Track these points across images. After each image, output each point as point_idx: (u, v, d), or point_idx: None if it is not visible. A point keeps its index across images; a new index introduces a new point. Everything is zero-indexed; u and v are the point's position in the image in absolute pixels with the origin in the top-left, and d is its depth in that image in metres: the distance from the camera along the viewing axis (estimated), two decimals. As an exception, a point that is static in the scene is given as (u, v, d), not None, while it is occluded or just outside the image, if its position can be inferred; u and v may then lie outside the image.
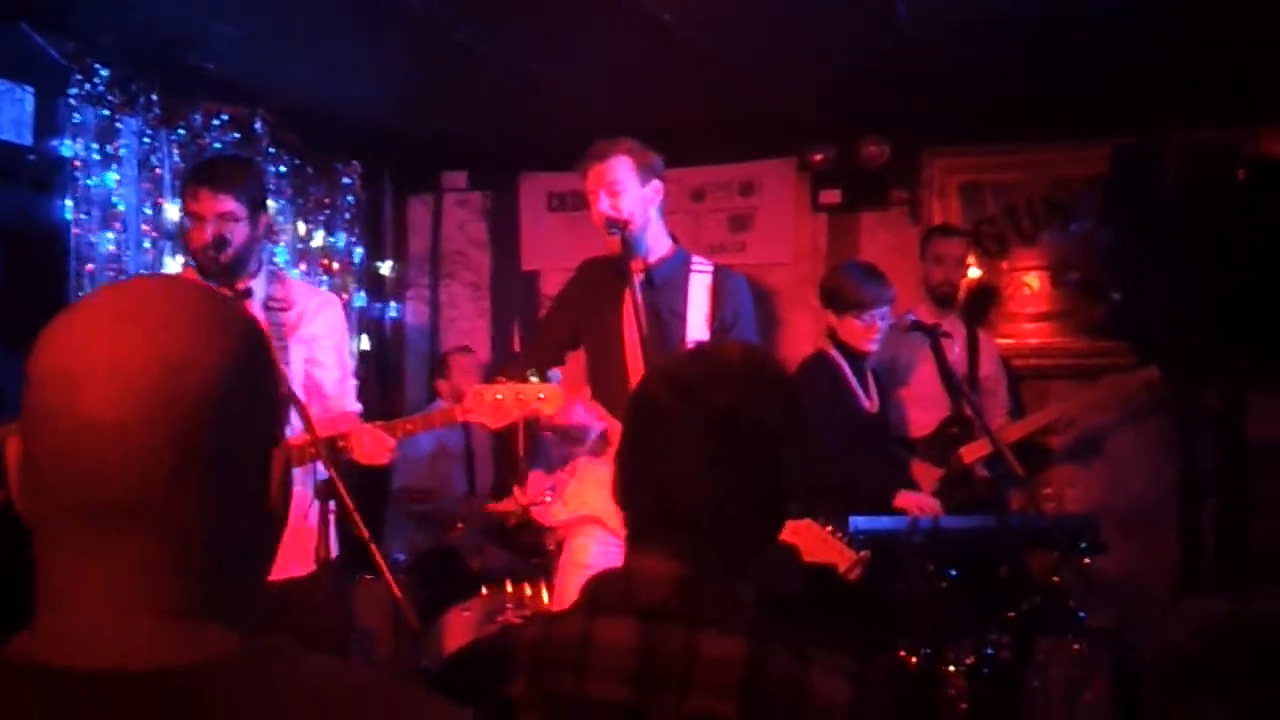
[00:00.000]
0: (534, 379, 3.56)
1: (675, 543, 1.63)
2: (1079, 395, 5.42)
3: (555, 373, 3.63)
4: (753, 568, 1.68)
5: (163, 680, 1.01)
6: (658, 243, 4.05)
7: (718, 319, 4.03)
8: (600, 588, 1.67)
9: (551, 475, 4.08)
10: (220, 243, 3.62)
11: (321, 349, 3.92)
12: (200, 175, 3.75)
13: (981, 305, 5.83)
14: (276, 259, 5.80)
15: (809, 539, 3.58)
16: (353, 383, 4.03)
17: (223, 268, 3.64)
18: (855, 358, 4.71)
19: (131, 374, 1.02)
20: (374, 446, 3.60)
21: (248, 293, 3.75)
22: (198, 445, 1.04)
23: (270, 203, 4.51)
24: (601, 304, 4.05)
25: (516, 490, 4.21)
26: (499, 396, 3.54)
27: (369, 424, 3.68)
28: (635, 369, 3.94)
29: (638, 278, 3.98)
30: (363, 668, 0.97)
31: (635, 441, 1.72)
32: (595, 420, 3.92)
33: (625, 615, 1.59)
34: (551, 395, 3.54)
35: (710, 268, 4.12)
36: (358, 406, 4.00)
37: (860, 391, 4.70)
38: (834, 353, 4.72)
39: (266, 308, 3.80)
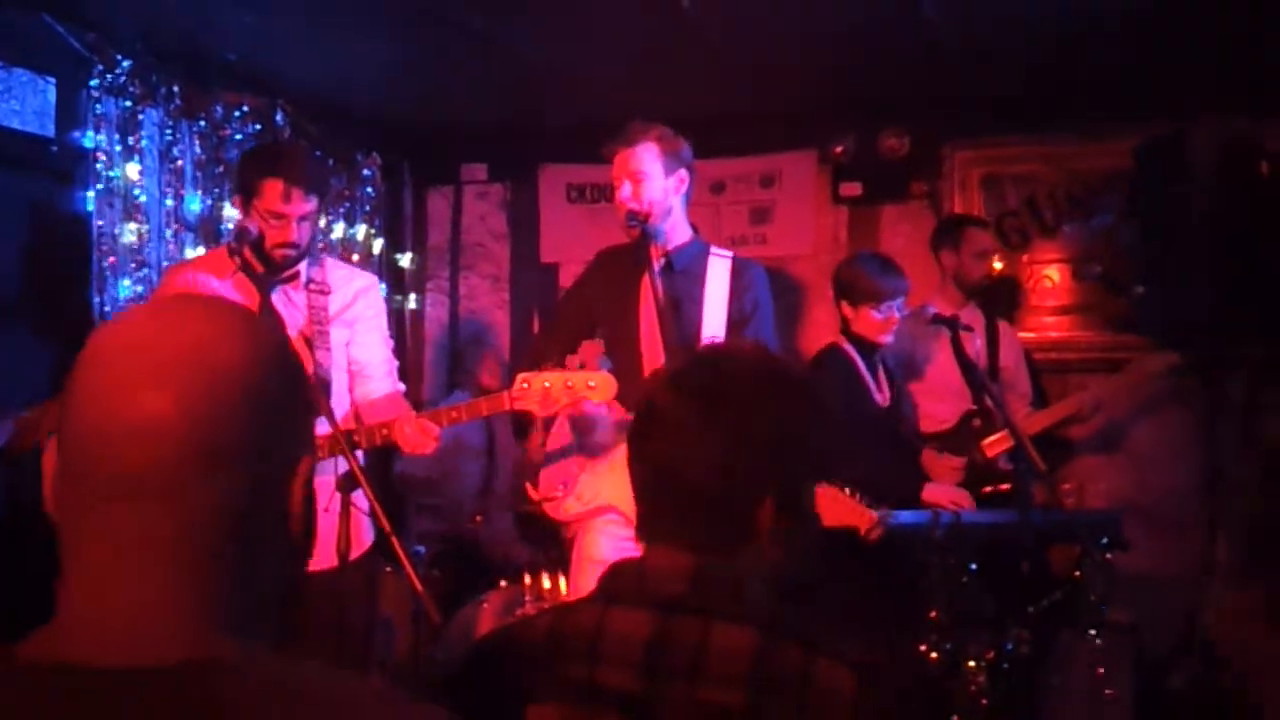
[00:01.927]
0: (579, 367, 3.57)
1: (686, 535, 1.66)
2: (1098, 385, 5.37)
3: (605, 360, 3.61)
4: (767, 557, 1.70)
5: (175, 675, 1.02)
6: (677, 231, 4.04)
7: (736, 307, 4.03)
8: (615, 578, 1.70)
9: (563, 470, 4.06)
10: (297, 245, 3.68)
11: (363, 331, 3.94)
12: (291, 174, 3.68)
13: (1002, 298, 5.79)
14: (323, 257, 5.81)
15: (827, 503, 3.57)
16: (395, 364, 4.05)
17: (289, 265, 3.72)
18: (868, 350, 4.68)
19: (173, 369, 1.06)
20: (419, 436, 3.61)
21: (295, 276, 3.79)
22: (231, 442, 1.07)
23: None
24: (619, 292, 4.04)
25: (529, 488, 4.19)
26: (547, 384, 3.51)
27: (414, 413, 3.68)
28: (651, 355, 3.95)
29: (657, 263, 3.97)
30: (351, 674, 1.00)
31: (640, 438, 1.76)
32: (605, 410, 3.92)
33: (640, 606, 1.62)
34: (602, 383, 3.51)
35: (729, 256, 4.12)
36: (401, 386, 4.03)
37: (872, 384, 4.67)
38: (847, 346, 4.69)
39: (308, 290, 3.82)
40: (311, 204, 3.71)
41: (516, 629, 1.73)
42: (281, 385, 1.12)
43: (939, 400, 5.05)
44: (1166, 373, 5.01)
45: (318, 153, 6.04)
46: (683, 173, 4.00)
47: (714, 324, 3.99)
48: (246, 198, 3.72)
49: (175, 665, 1.02)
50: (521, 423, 4.14)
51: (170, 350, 1.07)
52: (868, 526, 3.71)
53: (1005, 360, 5.31)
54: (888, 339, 4.66)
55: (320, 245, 6.12)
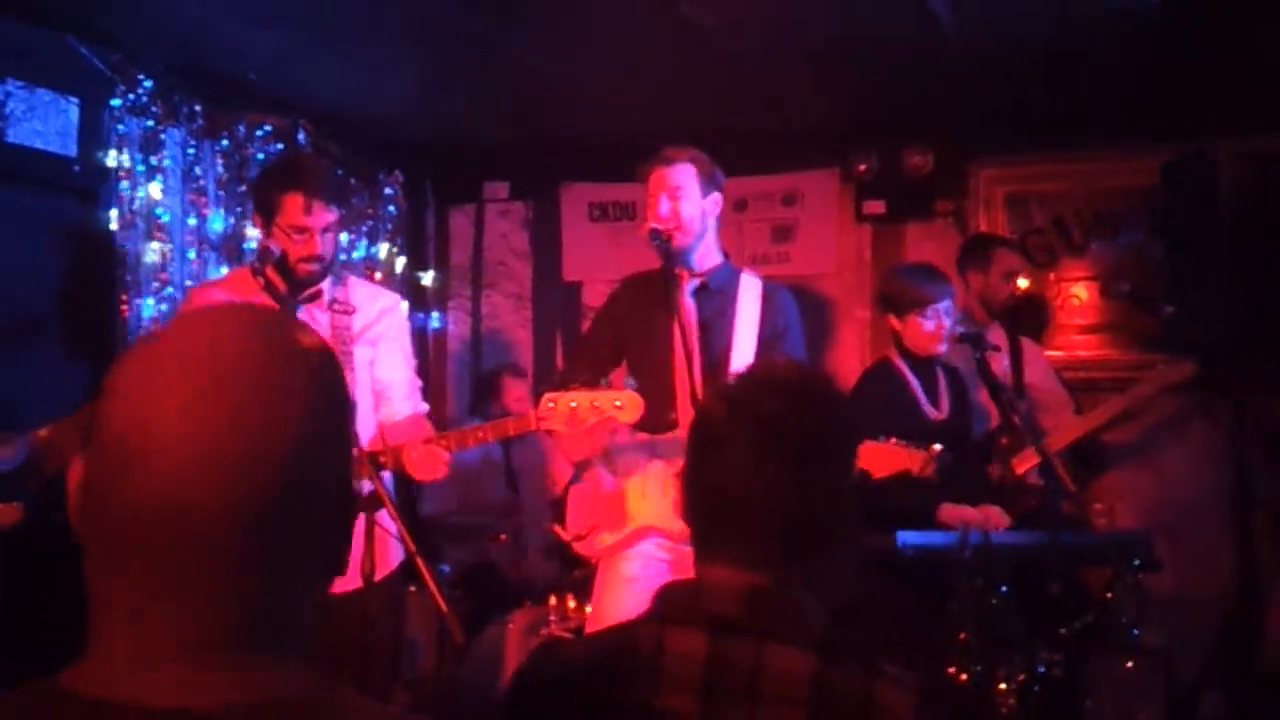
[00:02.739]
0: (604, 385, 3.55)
1: (741, 553, 1.67)
2: (1133, 425, 5.26)
3: (630, 380, 3.59)
4: (824, 578, 1.70)
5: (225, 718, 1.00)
6: (709, 254, 4.04)
7: (767, 331, 4.01)
8: (671, 598, 1.71)
9: (589, 504, 4.03)
10: (322, 259, 3.65)
11: (386, 351, 3.91)
12: (311, 187, 3.67)
13: (1031, 317, 5.74)
14: (346, 275, 5.82)
15: (874, 456, 3.51)
16: (418, 384, 4.02)
17: (315, 280, 3.68)
18: (921, 364, 4.61)
19: (208, 437, 1.01)
20: (427, 461, 3.56)
21: (318, 295, 3.76)
22: (272, 509, 1.03)
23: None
24: (649, 314, 4.01)
25: (557, 530, 4.15)
26: (574, 404, 3.49)
27: (426, 437, 3.64)
28: (683, 379, 3.91)
29: (689, 285, 3.99)
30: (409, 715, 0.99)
31: (694, 457, 1.77)
32: (633, 435, 3.92)
33: (695, 626, 1.62)
34: (629, 402, 3.50)
35: (759, 281, 4.11)
36: (425, 407, 4.00)
37: (924, 399, 4.59)
38: (898, 360, 4.63)
39: (331, 310, 3.79)
40: (333, 215, 3.69)
41: (572, 648, 1.76)
42: (325, 425, 1.08)
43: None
44: (1187, 383, 4.92)
45: (339, 171, 6.05)
46: (717, 195, 4.02)
47: (745, 347, 3.97)
48: (267, 216, 3.70)
49: (224, 709, 1.01)
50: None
51: (201, 413, 1.01)
52: (920, 465, 3.63)
53: (1031, 378, 5.24)
54: (940, 348, 4.56)
55: (342, 264, 6.13)
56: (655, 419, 3.79)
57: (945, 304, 4.54)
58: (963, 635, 3.86)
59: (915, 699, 1.58)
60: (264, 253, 3.62)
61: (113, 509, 1.03)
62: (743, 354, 3.95)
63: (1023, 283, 5.48)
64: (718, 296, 3.97)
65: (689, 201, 3.92)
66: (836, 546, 1.73)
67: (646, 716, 1.59)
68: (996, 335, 5.18)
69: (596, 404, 3.49)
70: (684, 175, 3.92)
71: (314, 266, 3.66)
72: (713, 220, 4.02)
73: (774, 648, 1.58)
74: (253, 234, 5.22)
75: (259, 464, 1.02)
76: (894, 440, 3.54)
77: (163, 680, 1.01)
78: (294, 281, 3.65)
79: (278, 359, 1.08)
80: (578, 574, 4.97)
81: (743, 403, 1.73)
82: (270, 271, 3.60)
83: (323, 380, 1.10)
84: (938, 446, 3.60)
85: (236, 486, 1.01)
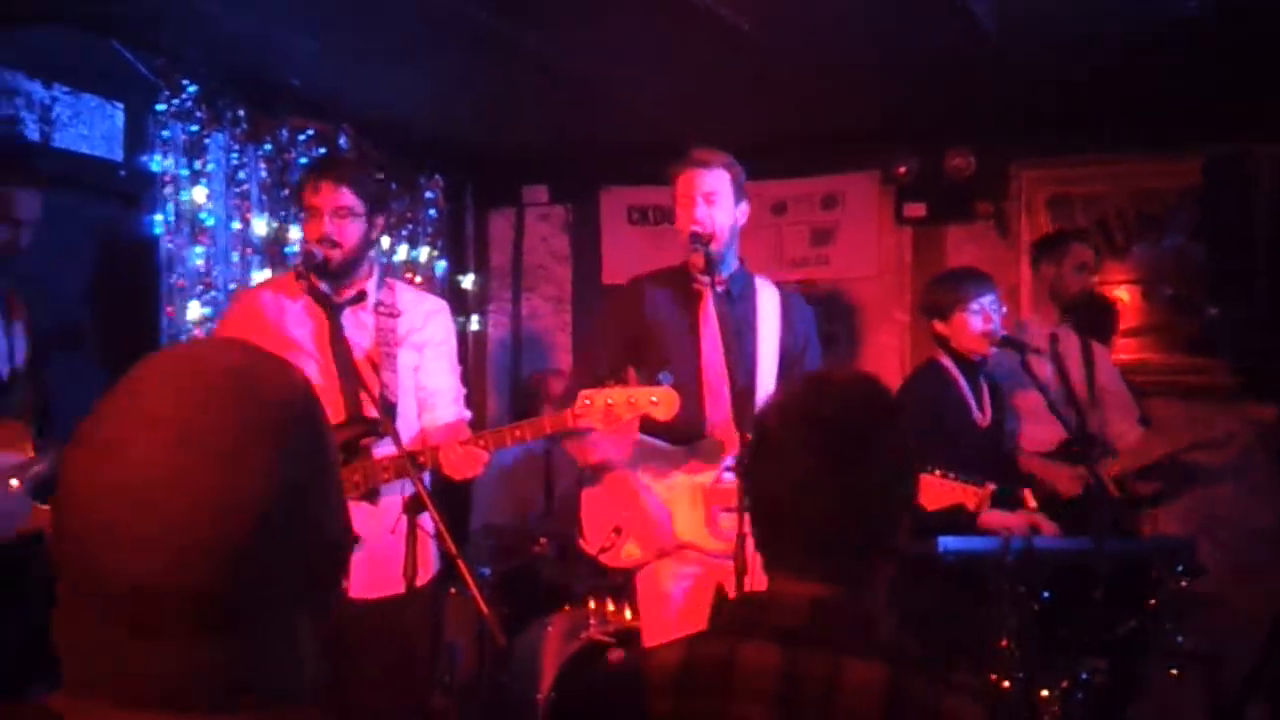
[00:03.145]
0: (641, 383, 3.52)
1: (802, 562, 1.69)
2: (1185, 431, 5.12)
3: (666, 375, 3.56)
4: (880, 586, 1.73)
5: None
6: (730, 262, 4.02)
7: (788, 338, 4.02)
8: (742, 611, 1.75)
9: (610, 515, 4.01)
10: (332, 240, 3.60)
11: (432, 357, 3.89)
12: (320, 168, 3.73)
13: (1099, 319, 5.67)
14: (390, 279, 5.84)
15: (929, 490, 3.51)
16: (462, 391, 4.01)
17: (332, 267, 3.63)
18: (969, 366, 4.59)
19: (177, 522, 0.99)
20: (465, 460, 3.54)
21: (361, 296, 3.75)
22: (245, 566, 1.02)
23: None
24: (675, 318, 4.00)
25: (580, 543, 4.13)
26: (610, 401, 3.47)
27: (463, 437, 3.63)
28: (713, 382, 3.92)
29: (713, 292, 3.93)
30: None
31: (753, 467, 1.79)
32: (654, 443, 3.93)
33: (767, 638, 1.64)
34: (664, 398, 3.47)
35: (774, 288, 4.12)
36: (468, 414, 3.98)
37: (973, 403, 4.57)
38: (946, 360, 4.60)
39: (376, 312, 3.78)
40: (344, 197, 3.63)
41: (646, 660, 1.75)
42: (302, 482, 1.06)
43: (1037, 423, 4.83)
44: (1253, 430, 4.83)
45: (380, 175, 6.07)
46: (745, 206, 4.01)
47: (768, 352, 3.97)
48: (299, 210, 3.76)
49: None
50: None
51: (168, 497, 1.00)
52: (976, 502, 3.62)
53: (1101, 379, 5.16)
54: (989, 348, 4.53)
55: (383, 267, 6.15)
56: (682, 426, 3.77)
57: (990, 299, 4.51)
58: (1004, 642, 3.83)
59: (985, 711, 1.60)
60: (308, 256, 3.63)
61: (81, 565, 1.02)
62: (767, 363, 3.95)
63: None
64: (739, 304, 3.94)
65: (723, 209, 3.89)
66: (891, 554, 1.74)
67: None
68: (1066, 335, 5.11)
69: (633, 400, 3.47)
70: (720, 181, 3.89)
71: (331, 252, 3.60)
72: (738, 228, 4.00)
73: (846, 659, 1.60)
74: (295, 236, 5.26)
75: (228, 523, 1.00)
76: (944, 474, 3.53)
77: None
78: (317, 269, 3.60)
79: (248, 415, 1.05)
80: (618, 578, 4.96)
81: (801, 412, 1.74)
82: (314, 277, 3.62)
83: (298, 432, 1.08)
84: (990, 485, 3.60)
85: (203, 544, 0.99)
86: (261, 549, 1.02)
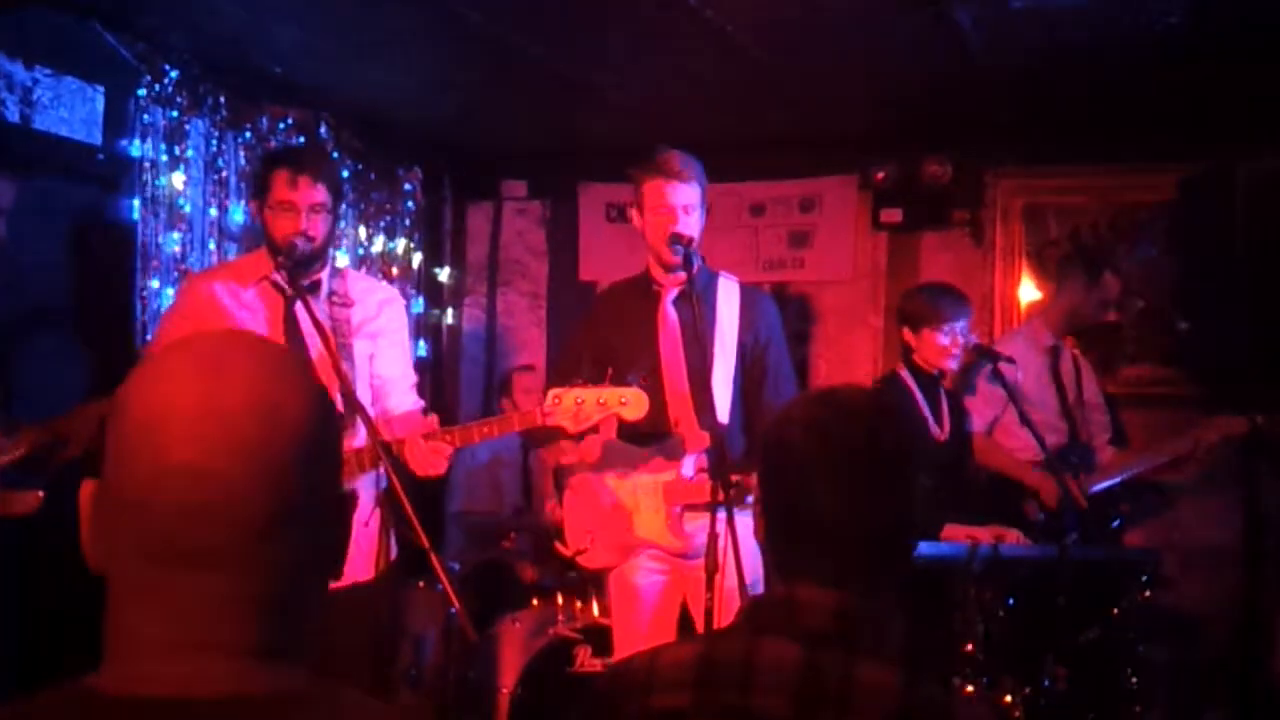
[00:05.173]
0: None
1: (826, 571, 1.73)
2: (1153, 446, 5.16)
3: (635, 376, 3.59)
4: (894, 593, 1.78)
5: (227, 708, 1.03)
6: (695, 261, 4.05)
7: (748, 336, 4.06)
8: (762, 611, 1.79)
9: (586, 519, 4.07)
10: (308, 235, 3.60)
11: (386, 346, 3.89)
12: (296, 163, 3.69)
13: (1101, 341, 5.70)
14: (338, 262, 5.84)
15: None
16: (414, 379, 4.01)
17: (304, 259, 3.62)
18: (928, 381, 4.65)
19: (222, 422, 1.04)
20: (429, 457, 3.53)
21: (315, 286, 3.73)
22: (288, 493, 1.06)
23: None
24: (632, 327, 4.06)
25: (558, 546, 4.17)
26: (580, 400, 3.49)
27: (427, 432, 3.60)
28: (672, 383, 3.99)
29: (670, 294, 4.03)
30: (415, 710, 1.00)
31: (779, 483, 1.83)
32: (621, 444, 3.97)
33: (788, 637, 1.69)
34: (634, 399, 3.50)
35: (736, 284, 4.15)
36: (421, 402, 3.98)
37: (930, 417, 4.63)
38: (905, 374, 4.66)
39: (330, 302, 3.77)
40: (320, 194, 3.65)
41: (663, 655, 1.79)
42: (325, 427, 1.11)
43: (1046, 432, 4.84)
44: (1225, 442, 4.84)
45: (359, 165, 6.07)
46: (705, 214, 4.05)
47: (727, 349, 4.01)
48: (260, 197, 3.71)
49: (221, 696, 1.03)
50: (537, 438, 4.11)
51: (216, 402, 1.04)
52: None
53: (1087, 395, 5.19)
54: (951, 364, 4.61)
55: (360, 258, 6.15)
56: (645, 426, 3.79)
57: (962, 324, 4.57)
58: (969, 647, 3.87)
59: (990, 715, 1.69)
60: (289, 249, 3.61)
61: (134, 545, 1.05)
62: (725, 360, 3.99)
63: (1036, 294, 5.46)
64: (700, 303, 3.91)
65: (696, 218, 3.96)
66: (908, 565, 1.82)
67: (743, 717, 1.66)
68: (1067, 351, 5.13)
69: (602, 400, 3.49)
70: (695, 194, 3.95)
71: (298, 242, 3.59)
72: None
73: (862, 660, 1.65)
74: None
75: (269, 467, 1.04)
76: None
77: (184, 673, 1.04)
78: (284, 256, 3.58)
79: (282, 370, 1.10)
80: (587, 576, 4.97)
81: (822, 431, 1.78)
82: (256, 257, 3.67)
83: (321, 393, 1.13)
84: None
85: (246, 488, 1.03)
86: (303, 476, 1.07)
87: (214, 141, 5.22)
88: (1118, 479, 4.87)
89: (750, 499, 3.89)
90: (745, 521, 3.93)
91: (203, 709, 1.02)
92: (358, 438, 3.50)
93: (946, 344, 4.57)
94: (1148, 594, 4.10)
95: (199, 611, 1.05)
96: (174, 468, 1.03)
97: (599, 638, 4.53)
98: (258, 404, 1.05)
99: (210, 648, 1.05)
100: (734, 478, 3.50)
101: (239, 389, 1.05)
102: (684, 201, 3.92)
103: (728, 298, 4.08)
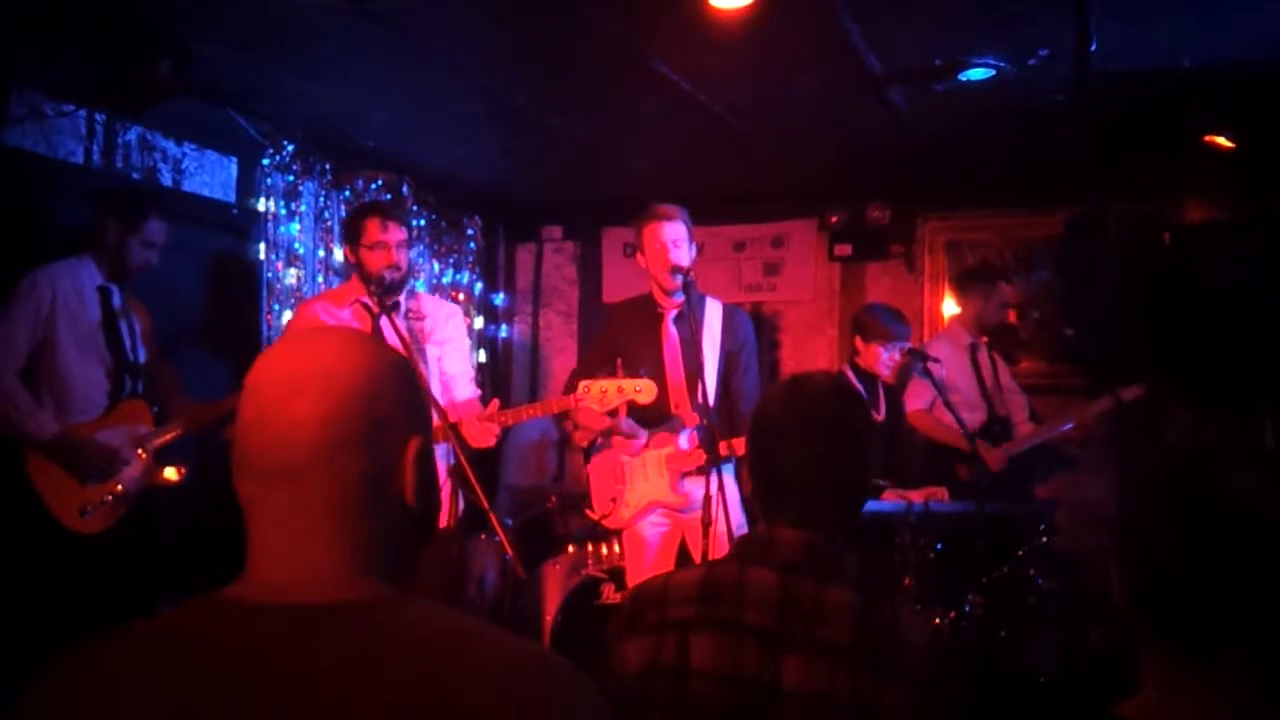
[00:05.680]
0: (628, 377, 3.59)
1: (799, 517, 1.77)
2: (1049, 421, 5.08)
3: (645, 370, 3.63)
4: (851, 536, 1.80)
5: (330, 612, 1.04)
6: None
7: (728, 344, 4.08)
8: (748, 546, 1.81)
9: (608, 488, 4.08)
10: (398, 266, 3.65)
11: (450, 350, 3.91)
12: (385, 211, 3.73)
13: (1006, 340, 5.64)
14: (417, 290, 5.84)
15: None
16: (473, 374, 4.02)
17: (394, 285, 3.66)
18: (869, 380, 4.62)
19: (308, 385, 1.08)
20: (481, 433, 3.57)
21: (396, 305, 3.74)
22: (350, 433, 1.08)
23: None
24: (641, 337, 4.08)
25: (587, 512, 4.19)
26: (604, 388, 3.54)
27: (479, 413, 3.64)
28: (672, 379, 4.03)
29: (671, 313, 4.06)
30: (481, 620, 0.99)
31: (764, 449, 1.84)
32: (637, 428, 3.97)
33: (769, 566, 1.73)
34: (646, 387, 3.56)
35: (720, 305, 4.16)
36: (478, 391, 3.99)
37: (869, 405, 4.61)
38: (850, 373, 4.64)
39: (407, 318, 3.79)
40: (403, 233, 3.69)
41: (674, 578, 1.82)
42: (386, 388, 1.11)
43: (971, 410, 4.81)
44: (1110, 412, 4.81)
45: (433, 215, 6.08)
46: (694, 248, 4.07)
47: (713, 353, 4.02)
48: (354, 241, 3.71)
49: (342, 602, 1.05)
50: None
51: (307, 371, 1.08)
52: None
53: (1003, 381, 5.13)
54: (884, 372, 4.60)
55: (433, 287, 6.16)
56: (653, 411, 3.84)
57: (903, 344, 4.54)
58: (908, 581, 3.86)
59: (928, 627, 1.73)
60: (380, 279, 3.63)
61: (248, 470, 1.09)
62: (712, 360, 4.00)
63: (956, 308, 5.42)
64: (691, 320, 3.94)
65: (686, 250, 3.97)
66: (861, 511, 1.84)
67: (737, 626, 1.68)
68: (983, 348, 5.07)
69: (621, 388, 3.54)
70: (683, 230, 3.97)
71: (394, 274, 3.64)
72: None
73: (828, 584, 1.68)
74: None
75: (329, 404, 1.07)
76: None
77: (294, 583, 1.06)
78: (381, 287, 3.63)
79: (347, 339, 1.15)
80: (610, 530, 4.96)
81: (798, 407, 1.81)
82: (354, 285, 3.71)
83: (383, 356, 1.15)
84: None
85: (312, 420, 1.07)
86: (363, 407, 1.09)
87: (321, 198, 5.23)
88: (1029, 445, 4.83)
89: (730, 460, 3.93)
90: (730, 482, 3.97)
91: (321, 613, 1.03)
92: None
93: (885, 358, 4.56)
94: (1045, 539, 4.07)
95: (296, 519, 1.07)
96: (264, 407, 1.08)
97: (620, 577, 4.52)
98: (326, 362, 1.10)
99: (313, 558, 1.07)
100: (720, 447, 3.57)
101: (311, 355, 1.10)
102: (673, 237, 3.93)
103: (713, 314, 4.10)
